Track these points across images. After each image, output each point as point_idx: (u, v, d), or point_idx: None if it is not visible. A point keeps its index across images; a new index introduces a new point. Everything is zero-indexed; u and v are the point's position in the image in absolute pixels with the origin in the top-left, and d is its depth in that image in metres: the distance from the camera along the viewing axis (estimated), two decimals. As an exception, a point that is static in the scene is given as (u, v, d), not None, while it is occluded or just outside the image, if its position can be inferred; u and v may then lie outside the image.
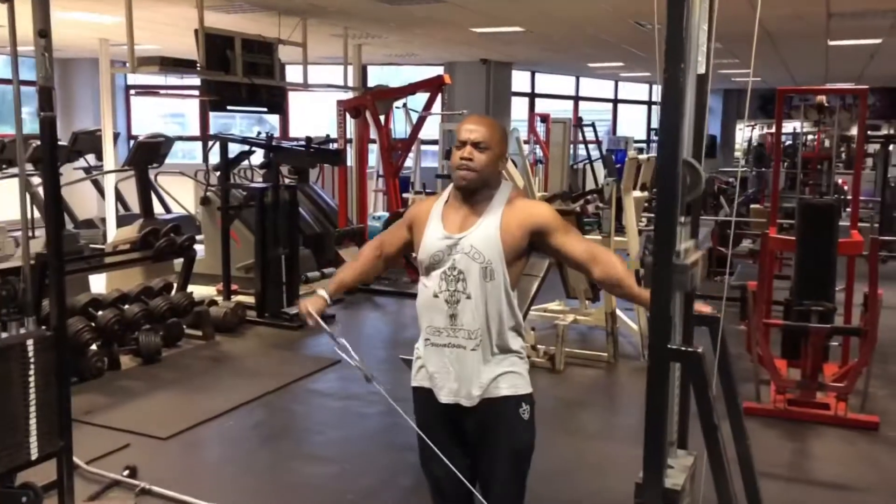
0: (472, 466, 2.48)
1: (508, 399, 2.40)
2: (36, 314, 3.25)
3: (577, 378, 5.47)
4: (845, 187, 10.23)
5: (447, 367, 2.40)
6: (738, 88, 18.27)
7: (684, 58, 1.90)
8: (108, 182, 9.04)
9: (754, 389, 4.85)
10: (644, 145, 17.11)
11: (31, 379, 3.14)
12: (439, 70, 12.39)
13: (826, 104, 12.01)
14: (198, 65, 6.37)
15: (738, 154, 18.34)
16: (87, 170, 10.07)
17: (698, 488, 2.28)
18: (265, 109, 7.28)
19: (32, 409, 3.15)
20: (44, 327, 3.25)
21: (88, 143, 9.49)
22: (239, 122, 14.30)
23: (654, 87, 18.09)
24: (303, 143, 7.65)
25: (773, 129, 8.50)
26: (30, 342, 3.13)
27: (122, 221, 8.71)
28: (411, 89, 8.60)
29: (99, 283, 7.05)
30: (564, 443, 4.29)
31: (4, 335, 3.10)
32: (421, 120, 8.71)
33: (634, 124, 18.34)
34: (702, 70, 2.21)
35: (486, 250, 2.34)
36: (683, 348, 1.95)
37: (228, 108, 6.87)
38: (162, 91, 7.69)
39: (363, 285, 2.69)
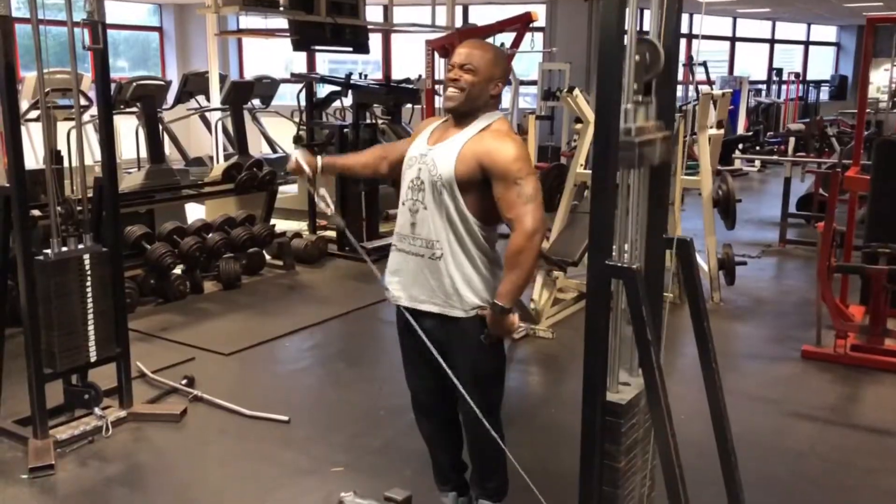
0: (444, 381, 2.58)
1: (467, 322, 2.47)
2: (94, 232, 3.59)
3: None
4: None
5: (407, 272, 2.52)
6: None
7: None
8: (213, 121, 9.56)
9: (816, 333, 4.70)
10: (763, 86, 16.23)
11: (89, 289, 3.49)
12: (541, 9, 12.23)
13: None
14: (280, 4, 6.59)
15: (879, 95, 17.12)
16: (197, 110, 10.63)
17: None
18: (349, 49, 7.45)
19: (90, 316, 3.52)
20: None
21: (197, 84, 10.03)
22: (361, 66, 14.57)
23: (778, 24, 17.08)
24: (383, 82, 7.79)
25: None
26: (86, 256, 3.47)
27: (228, 159, 9.21)
28: (499, 27, 8.51)
29: (200, 215, 7.53)
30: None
31: (65, 249, 3.44)
32: (509, 57, 8.64)
33: (755, 64, 17.40)
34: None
35: (441, 167, 2.42)
36: (620, 264, 1.97)
37: (312, 47, 7.07)
38: (247, 32, 7.96)
39: (356, 177, 2.90)
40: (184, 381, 4.11)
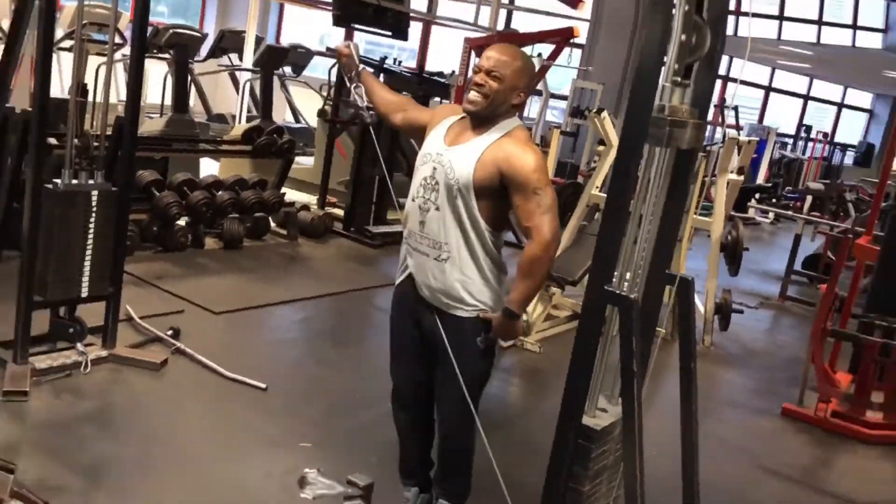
0: (430, 377, 2.60)
1: (467, 322, 2.48)
2: (107, 170, 3.60)
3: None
4: None
5: (417, 269, 2.53)
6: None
7: None
8: (241, 81, 9.57)
9: (799, 393, 4.70)
10: (790, 140, 16.20)
11: (91, 225, 3.50)
12: (584, 26, 12.21)
13: None
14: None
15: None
16: (228, 67, 10.63)
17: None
18: (388, 33, 7.42)
19: (88, 252, 3.52)
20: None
21: (232, 41, 10.03)
22: (397, 52, 14.55)
23: (815, 81, 17.05)
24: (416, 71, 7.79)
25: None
26: (95, 193, 3.48)
27: (251, 121, 9.21)
28: (539, 37, 8.54)
29: (213, 171, 7.54)
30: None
31: (75, 182, 3.45)
32: (543, 69, 8.65)
33: (785, 117, 17.38)
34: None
35: (459, 171, 2.41)
36: (618, 292, 1.97)
37: (352, 25, 7.07)
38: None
39: (371, 103, 2.90)
40: (169, 332, 4.11)
